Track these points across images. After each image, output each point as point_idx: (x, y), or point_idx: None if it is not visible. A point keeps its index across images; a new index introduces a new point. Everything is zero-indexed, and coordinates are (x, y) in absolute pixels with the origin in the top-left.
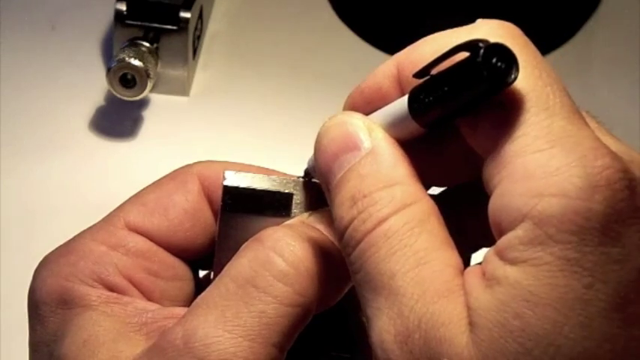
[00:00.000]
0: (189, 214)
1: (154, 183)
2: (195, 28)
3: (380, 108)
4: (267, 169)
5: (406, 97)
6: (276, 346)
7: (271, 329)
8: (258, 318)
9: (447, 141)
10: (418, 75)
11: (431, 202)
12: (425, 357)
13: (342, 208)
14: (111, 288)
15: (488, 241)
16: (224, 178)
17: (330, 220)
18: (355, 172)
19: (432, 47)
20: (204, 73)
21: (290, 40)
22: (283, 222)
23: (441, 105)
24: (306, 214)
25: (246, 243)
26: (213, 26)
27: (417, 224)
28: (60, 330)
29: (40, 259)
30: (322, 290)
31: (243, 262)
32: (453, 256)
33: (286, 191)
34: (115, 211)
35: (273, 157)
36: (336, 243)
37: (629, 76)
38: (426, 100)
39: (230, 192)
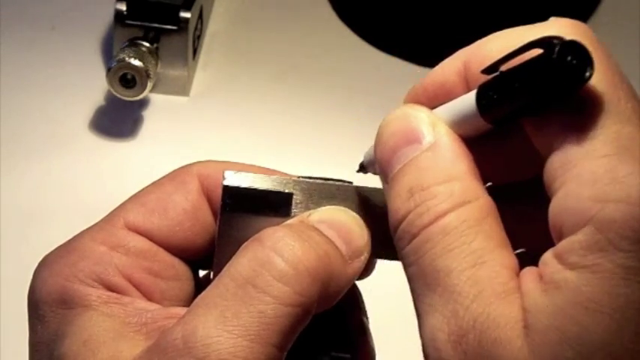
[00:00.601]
0: (188, 214)
1: (153, 183)
2: (195, 28)
3: (443, 103)
4: (267, 168)
5: (474, 93)
6: (276, 346)
7: (271, 329)
8: (257, 318)
9: (510, 138)
10: (487, 71)
11: (490, 201)
12: (478, 358)
13: (399, 200)
14: (111, 288)
15: (546, 243)
16: (224, 178)
17: (331, 220)
18: (415, 165)
19: (501, 43)
20: (204, 73)
21: (290, 40)
22: (283, 222)
23: (512, 102)
24: (306, 214)
25: (245, 243)
26: (213, 26)
27: (475, 222)
28: (60, 330)
29: (40, 258)
30: (322, 290)
31: (242, 262)
32: (509, 257)
33: (286, 191)
34: (114, 211)
35: (273, 156)
36: (336, 243)
37: (629, 76)
38: (496, 96)
39: (230, 192)
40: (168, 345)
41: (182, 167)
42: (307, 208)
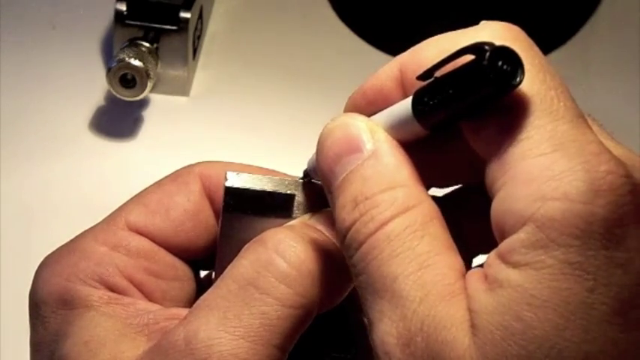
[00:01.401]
0: (190, 215)
1: (155, 183)
2: (195, 28)
3: (382, 110)
4: (268, 169)
5: (410, 99)
6: (278, 348)
7: (273, 330)
8: (259, 319)
9: (450, 143)
10: (422, 77)
11: (433, 205)
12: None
13: (344, 211)
14: (112, 288)
15: (490, 244)
16: (225, 179)
17: (332, 222)
18: (357, 174)
19: (435, 49)
20: (204, 73)
21: (290, 41)
22: (284, 223)
23: (446, 107)
24: (307, 216)
25: (247, 244)
26: (213, 26)
27: (419, 227)
28: (61, 330)
29: (40, 259)
30: (324, 292)
31: (244, 264)
32: (455, 260)
33: (287, 192)
34: (116, 211)
35: (273, 157)
36: (337, 244)
37: (629, 76)
38: (431, 102)
39: (231, 193)
40: (170, 346)
41: (184, 168)
42: (309, 209)
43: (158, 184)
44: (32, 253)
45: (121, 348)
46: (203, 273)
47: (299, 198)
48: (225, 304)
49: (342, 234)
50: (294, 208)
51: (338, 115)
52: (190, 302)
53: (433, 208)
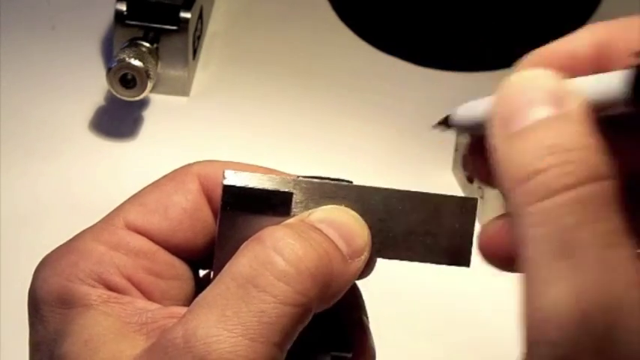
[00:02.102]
0: (188, 214)
1: (153, 183)
2: (196, 28)
3: (572, 75)
4: (267, 168)
5: (624, 74)
6: (277, 345)
7: (272, 328)
8: (258, 317)
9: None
10: None
11: (620, 187)
12: (603, 341)
13: (530, 155)
14: (111, 288)
15: None
16: (224, 177)
17: (331, 219)
18: (554, 125)
19: None
20: (204, 73)
21: (290, 40)
22: (283, 221)
23: None
24: (306, 213)
25: (246, 242)
26: (213, 26)
27: (614, 201)
28: (60, 329)
29: (39, 258)
30: (323, 290)
31: (243, 262)
32: (632, 248)
33: (286, 190)
34: (114, 211)
35: (273, 156)
36: (336, 243)
37: None
38: None
39: (230, 191)
40: (168, 344)
41: (182, 167)
42: (307, 208)
43: (156, 183)
44: (30, 253)
45: (120, 347)
46: (202, 272)
47: (297, 196)
48: (224, 302)
49: (523, 177)
50: (293, 207)
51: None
52: (189, 301)
53: (620, 190)
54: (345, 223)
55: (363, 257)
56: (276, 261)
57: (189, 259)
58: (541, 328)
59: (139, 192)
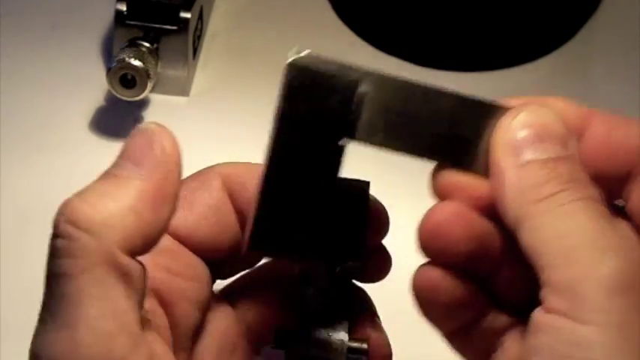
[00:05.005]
0: (212, 210)
1: None
2: (196, 28)
3: None
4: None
5: None
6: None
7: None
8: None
9: None
10: None
11: None
12: None
13: (538, 165)
14: None
15: None
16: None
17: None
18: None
19: None
20: (204, 73)
21: (290, 40)
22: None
23: None
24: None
25: None
26: (213, 26)
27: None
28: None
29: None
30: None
31: None
32: None
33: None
34: None
35: None
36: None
37: (630, 76)
38: None
39: (295, 69)
40: None
41: (205, 168)
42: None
43: (180, 182)
44: (31, 253)
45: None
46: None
47: (369, 93)
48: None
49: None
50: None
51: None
52: (204, 305)
53: None
54: (130, 145)
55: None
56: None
57: (209, 261)
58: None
59: None
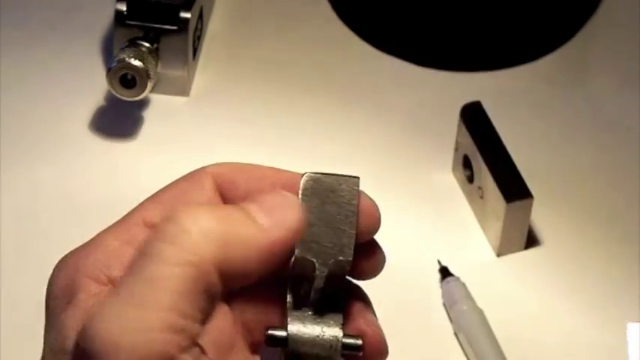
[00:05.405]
0: None
1: (169, 184)
2: (196, 28)
3: None
4: (273, 168)
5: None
6: (171, 310)
7: (162, 293)
8: (145, 283)
9: None
10: None
11: None
12: None
13: None
14: (113, 282)
15: None
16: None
17: (259, 197)
18: None
19: None
20: (205, 73)
21: (290, 41)
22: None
23: None
24: None
25: None
26: (213, 26)
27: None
28: (61, 330)
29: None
30: (221, 250)
31: (145, 241)
32: None
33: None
34: (133, 209)
35: (273, 156)
36: (250, 210)
37: (630, 76)
38: None
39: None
40: (77, 334)
41: (195, 169)
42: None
43: (172, 183)
44: (31, 253)
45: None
46: None
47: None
48: (120, 283)
49: None
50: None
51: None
52: None
53: None
54: (273, 200)
55: (286, 227)
56: (166, 228)
57: None
58: None
59: (156, 192)
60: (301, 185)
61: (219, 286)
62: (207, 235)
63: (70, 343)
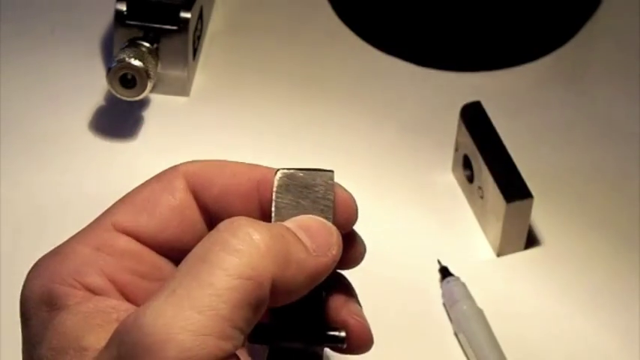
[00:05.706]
0: (176, 211)
1: (140, 184)
2: (196, 29)
3: None
4: (250, 164)
5: None
6: (227, 320)
7: (220, 300)
8: (207, 290)
9: None
10: None
11: None
12: None
13: None
14: (90, 289)
15: None
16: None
17: (298, 220)
18: None
19: None
20: (205, 73)
21: (290, 41)
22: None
23: None
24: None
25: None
26: (213, 26)
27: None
28: (39, 334)
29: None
30: (278, 269)
31: (198, 245)
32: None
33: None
34: (103, 213)
35: (273, 157)
36: (298, 235)
37: (630, 76)
38: None
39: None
40: (121, 327)
41: (168, 168)
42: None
43: (143, 184)
44: (31, 253)
45: (83, 343)
46: None
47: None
48: (175, 283)
49: None
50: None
51: None
52: None
53: None
54: (311, 224)
55: (330, 253)
56: (228, 239)
57: (176, 260)
58: None
59: (127, 193)
60: (275, 182)
61: (267, 302)
62: (267, 251)
63: (62, 344)
